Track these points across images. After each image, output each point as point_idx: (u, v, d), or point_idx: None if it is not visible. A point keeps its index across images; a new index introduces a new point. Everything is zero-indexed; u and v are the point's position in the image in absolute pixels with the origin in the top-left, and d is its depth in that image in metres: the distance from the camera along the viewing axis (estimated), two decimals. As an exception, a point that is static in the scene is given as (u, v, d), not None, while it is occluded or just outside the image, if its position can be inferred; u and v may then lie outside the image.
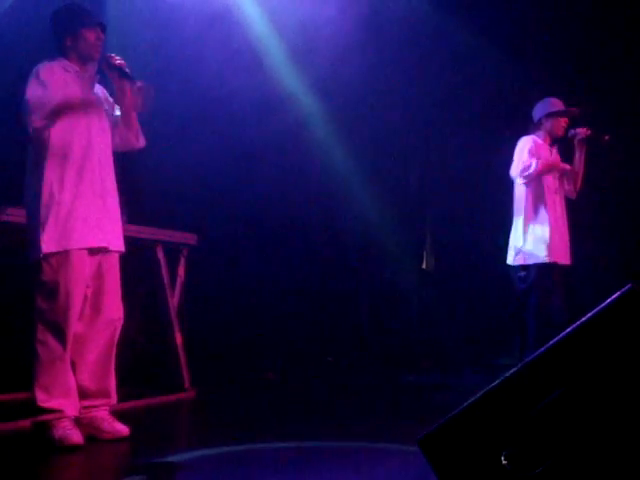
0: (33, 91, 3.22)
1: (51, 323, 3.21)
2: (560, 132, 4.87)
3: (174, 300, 4.79)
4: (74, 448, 3.15)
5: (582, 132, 4.84)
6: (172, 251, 4.82)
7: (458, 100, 6.74)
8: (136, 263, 4.93)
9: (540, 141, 4.82)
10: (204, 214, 6.08)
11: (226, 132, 6.38)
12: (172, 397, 4.60)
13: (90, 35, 3.39)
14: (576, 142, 4.91)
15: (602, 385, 1.72)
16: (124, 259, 3.62)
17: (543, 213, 4.75)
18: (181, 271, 4.88)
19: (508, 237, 4.86)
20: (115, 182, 3.50)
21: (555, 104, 4.85)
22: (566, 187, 4.97)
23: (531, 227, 4.73)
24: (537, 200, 4.77)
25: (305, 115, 6.76)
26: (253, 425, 3.88)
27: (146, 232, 4.49)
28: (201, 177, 6.19)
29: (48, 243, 3.19)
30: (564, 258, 4.77)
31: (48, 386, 3.21)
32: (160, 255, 4.66)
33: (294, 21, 6.21)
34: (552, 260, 4.68)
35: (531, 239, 4.72)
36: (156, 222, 4.73)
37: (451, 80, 6.74)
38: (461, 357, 6.33)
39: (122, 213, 4.16)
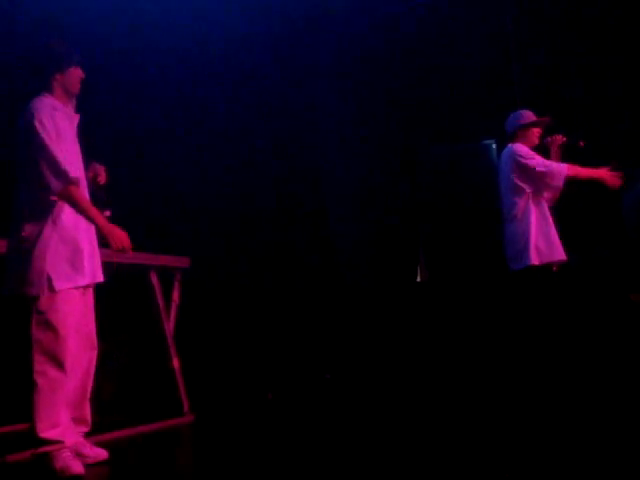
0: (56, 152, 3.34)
1: (50, 353, 3.26)
2: (535, 141, 4.91)
3: (170, 325, 4.78)
4: (76, 478, 3.16)
5: (558, 139, 4.90)
6: (166, 275, 4.82)
7: (449, 108, 6.77)
8: (130, 289, 4.94)
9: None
10: (195, 237, 6.09)
11: (214, 153, 6.42)
12: (171, 422, 4.58)
13: (77, 73, 3.55)
14: (552, 150, 4.94)
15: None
16: (119, 286, 3.65)
17: (544, 217, 4.79)
18: (175, 295, 4.88)
19: (503, 247, 4.87)
20: None
21: (526, 116, 4.91)
22: (546, 195, 4.92)
23: (538, 230, 4.75)
24: (539, 204, 4.80)
25: (293, 131, 6.80)
26: (254, 448, 3.87)
27: (139, 258, 4.48)
28: (191, 200, 6.21)
29: (59, 280, 3.29)
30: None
31: (49, 416, 3.24)
32: (154, 280, 4.66)
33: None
34: (562, 259, 4.74)
35: (540, 241, 4.73)
36: (148, 247, 4.73)
37: (443, 87, 6.77)
38: (460, 368, 6.32)
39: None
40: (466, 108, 6.65)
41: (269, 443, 3.98)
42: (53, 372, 3.25)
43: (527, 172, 4.74)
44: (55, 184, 3.30)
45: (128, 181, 5.75)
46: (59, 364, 3.26)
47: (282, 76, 6.69)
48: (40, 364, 3.25)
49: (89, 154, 3.68)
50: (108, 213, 3.54)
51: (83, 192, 3.42)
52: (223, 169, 6.51)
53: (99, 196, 3.58)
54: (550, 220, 4.78)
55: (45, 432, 3.21)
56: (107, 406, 3.90)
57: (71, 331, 3.32)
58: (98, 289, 3.66)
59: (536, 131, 4.91)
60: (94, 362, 3.55)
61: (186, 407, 4.74)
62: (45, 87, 3.51)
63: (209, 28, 6.20)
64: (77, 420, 3.47)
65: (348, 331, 6.96)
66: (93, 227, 3.50)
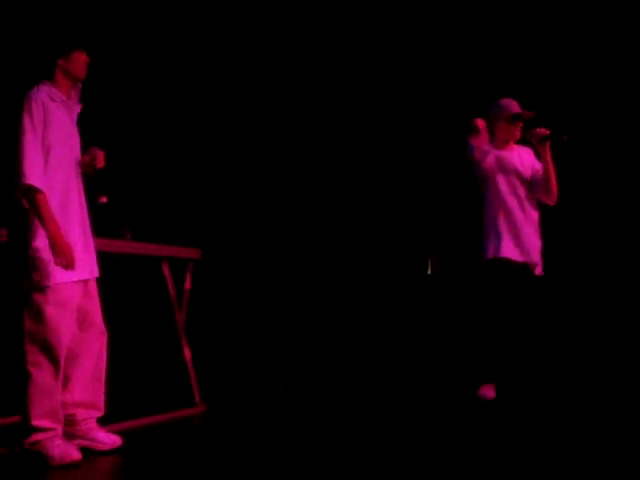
0: (30, 145, 3.25)
1: (44, 344, 3.25)
2: (517, 135, 4.78)
3: (181, 315, 4.79)
4: (74, 465, 3.19)
5: (540, 133, 4.63)
6: (177, 266, 4.83)
7: (464, 102, 6.70)
8: (142, 280, 4.95)
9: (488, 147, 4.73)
10: (207, 228, 6.10)
11: (226, 144, 6.42)
12: (182, 412, 4.59)
13: (81, 57, 3.45)
14: (535, 144, 4.71)
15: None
16: (131, 277, 3.66)
17: (500, 213, 4.75)
18: (187, 286, 4.88)
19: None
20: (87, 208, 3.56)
21: (507, 107, 4.75)
22: (538, 193, 4.81)
23: (491, 225, 4.77)
24: (495, 200, 4.78)
25: (306, 119, 6.79)
26: (265, 439, 3.87)
27: (151, 248, 4.49)
28: (203, 190, 6.22)
29: (55, 274, 3.26)
30: (523, 257, 4.73)
31: (43, 406, 3.24)
32: (166, 271, 4.66)
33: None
34: (504, 255, 4.68)
35: (490, 237, 4.75)
36: (160, 238, 4.74)
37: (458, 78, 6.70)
38: (468, 361, 6.30)
39: (126, 231, 4.21)
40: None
41: (280, 434, 3.98)
42: (47, 363, 3.25)
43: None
44: (15, 180, 3.23)
45: (141, 171, 5.77)
46: (53, 356, 3.27)
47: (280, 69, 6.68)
48: (34, 355, 3.24)
49: (100, 144, 3.68)
50: (104, 199, 3.50)
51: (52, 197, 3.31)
52: (235, 159, 6.51)
53: (95, 181, 3.54)
54: (498, 217, 4.79)
55: (38, 420, 3.22)
56: (118, 396, 3.91)
57: (64, 323, 3.30)
58: (110, 280, 3.68)
59: (512, 128, 4.75)
60: (104, 346, 3.56)
61: (197, 398, 4.75)
62: (47, 74, 3.42)
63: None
64: (89, 405, 3.49)
65: (359, 323, 6.96)
66: (88, 222, 3.50)
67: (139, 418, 4.20)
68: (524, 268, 4.75)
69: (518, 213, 4.74)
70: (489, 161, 4.71)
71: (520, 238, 4.72)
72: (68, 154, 3.41)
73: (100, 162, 3.50)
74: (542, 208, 4.92)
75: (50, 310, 3.25)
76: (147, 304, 5.07)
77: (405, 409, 4.73)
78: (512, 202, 4.75)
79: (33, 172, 3.20)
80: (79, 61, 3.45)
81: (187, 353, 4.73)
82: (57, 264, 3.22)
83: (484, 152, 4.67)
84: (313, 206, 6.93)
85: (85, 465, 3.24)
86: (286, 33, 6.58)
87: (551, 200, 4.82)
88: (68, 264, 3.24)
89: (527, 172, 4.83)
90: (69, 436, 3.41)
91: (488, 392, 4.59)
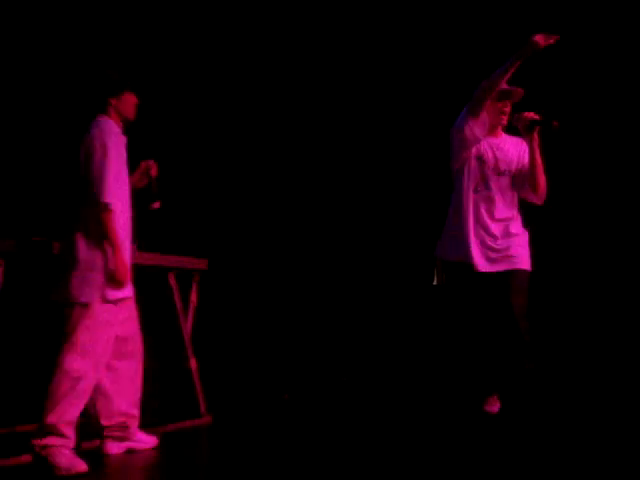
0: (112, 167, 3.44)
1: (94, 355, 3.37)
2: (502, 121, 4.14)
3: (187, 326, 4.80)
4: (81, 476, 3.22)
5: (528, 117, 4.04)
6: (184, 277, 4.84)
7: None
8: (149, 290, 4.96)
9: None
10: (214, 238, 6.11)
11: (232, 155, 6.44)
12: (188, 423, 4.60)
13: (132, 98, 3.67)
14: (522, 130, 4.09)
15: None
16: (137, 287, 3.73)
17: (461, 209, 4.26)
18: (193, 296, 4.90)
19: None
20: None
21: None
22: (522, 190, 4.24)
23: (450, 222, 4.36)
24: (458, 193, 4.29)
25: (313, 130, 6.81)
26: (271, 450, 3.87)
27: (157, 259, 4.51)
28: (210, 201, 6.24)
29: (125, 289, 3.49)
30: (459, 257, 4.30)
31: (69, 413, 3.29)
32: (172, 281, 4.68)
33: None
34: (443, 255, 4.42)
35: (445, 234, 4.38)
36: (167, 249, 4.76)
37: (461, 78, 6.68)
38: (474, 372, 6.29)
39: (134, 241, 4.25)
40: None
41: (285, 444, 3.98)
42: (91, 373, 3.35)
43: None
44: (93, 197, 3.38)
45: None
46: (98, 367, 3.40)
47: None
48: (80, 363, 3.31)
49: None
50: (157, 205, 3.70)
51: (118, 219, 3.48)
52: (241, 170, 6.54)
53: (150, 189, 3.75)
54: (457, 214, 4.37)
55: (60, 423, 3.25)
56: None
57: (113, 337, 3.48)
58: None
59: (499, 105, 4.12)
60: (142, 363, 3.82)
61: (203, 408, 4.75)
62: (101, 110, 3.61)
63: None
64: (133, 416, 3.73)
65: (365, 333, 6.95)
66: (130, 237, 3.67)
67: (145, 429, 4.20)
68: (467, 267, 4.31)
69: (476, 209, 4.23)
70: (471, 134, 4.14)
71: (463, 236, 4.25)
72: (126, 179, 3.60)
73: (154, 171, 3.77)
74: (532, 208, 4.42)
75: (112, 322, 3.45)
76: (153, 314, 5.09)
77: (411, 420, 4.73)
78: (474, 196, 4.23)
79: (111, 192, 3.39)
80: (129, 102, 3.66)
81: (193, 363, 4.74)
82: (109, 282, 3.39)
83: (472, 127, 4.12)
84: (320, 217, 6.94)
85: (91, 476, 3.25)
86: (287, 44, 6.62)
87: (538, 198, 4.25)
88: (120, 285, 3.43)
89: (510, 164, 4.24)
90: (122, 439, 3.66)
91: (493, 406, 4.48)
